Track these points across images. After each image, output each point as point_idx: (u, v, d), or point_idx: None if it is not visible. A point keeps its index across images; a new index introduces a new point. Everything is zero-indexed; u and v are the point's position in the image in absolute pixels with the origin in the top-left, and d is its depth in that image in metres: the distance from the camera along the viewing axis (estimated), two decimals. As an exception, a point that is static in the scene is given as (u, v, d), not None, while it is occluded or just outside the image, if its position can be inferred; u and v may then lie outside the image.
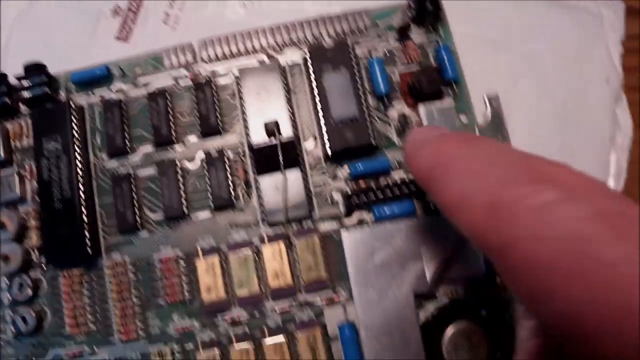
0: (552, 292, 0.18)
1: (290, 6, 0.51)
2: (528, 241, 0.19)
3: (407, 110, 0.41)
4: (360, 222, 0.39)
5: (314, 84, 0.41)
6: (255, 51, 0.43)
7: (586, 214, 0.18)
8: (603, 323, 0.16)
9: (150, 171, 0.41)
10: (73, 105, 0.41)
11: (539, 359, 0.23)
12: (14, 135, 0.42)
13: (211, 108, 0.41)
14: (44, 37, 0.45)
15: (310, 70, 0.41)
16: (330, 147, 0.39)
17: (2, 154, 0.41)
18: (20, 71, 0.42)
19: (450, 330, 0.36)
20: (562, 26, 0.45)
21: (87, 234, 0.39)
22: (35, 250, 0.40)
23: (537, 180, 0.20)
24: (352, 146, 0.39)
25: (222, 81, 0.42)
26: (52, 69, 0.43)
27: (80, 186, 0.39)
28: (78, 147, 0.40)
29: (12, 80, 0.42)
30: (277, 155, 0.39)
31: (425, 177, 0.26)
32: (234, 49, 0.43)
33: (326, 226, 0.39)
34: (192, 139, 0.41)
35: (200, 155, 0.41)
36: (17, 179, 0.41)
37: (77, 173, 0.40)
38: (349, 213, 0.39)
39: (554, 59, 0.44)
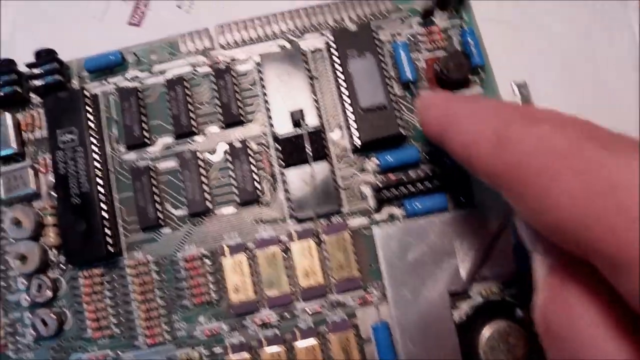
0: (552, 191, 0.19)
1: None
2: (531, 158, 0.20)
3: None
4: (391, 217, 0.34)
5: (339, 69, 0.35)
6: (275, 36, 0.37)
7: (576, 135, 0.20)
8: (588, 211, 0.18)
9: (171, 164, 0.35)
10: (88, 94, 0.35)
11: (554, 280, 0.23)
12: (26, 126, 0.36)
13: (232, 96, 0.35)
14: (51, 26, 0.38)
15: (334, 55, 0.35)
16: (359, 138, 0.33)
17: (14, 147, 0.35)
18: (29, 59, 0.35)
19: (487, 331, 0.31)
20: (585, 8, 0.39)
21: (107, 231, 0.33)
22: (53, 249, 0.34)
23: (535, 118, 0.22)
24: (381, 136, 0.33)
25: (241, 68, 0.36)
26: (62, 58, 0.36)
27: (99, 180, 0.34)
28: (94, 138, 0.34)
29: (22, 68, 0.36)
30: (304, 146, 0.34)
31: (438, 129, 0.27)
32: (253, 34, 0.37)
33: (356, 222, 0.34)
34: (214, 129, 0.35)
35: (223, 146, 0.35)
36: (31, 172, 0.34)
37: (95, 166, 0.34)
38: (379, 208, 0.34)
39: (578, 42, 0.38)
